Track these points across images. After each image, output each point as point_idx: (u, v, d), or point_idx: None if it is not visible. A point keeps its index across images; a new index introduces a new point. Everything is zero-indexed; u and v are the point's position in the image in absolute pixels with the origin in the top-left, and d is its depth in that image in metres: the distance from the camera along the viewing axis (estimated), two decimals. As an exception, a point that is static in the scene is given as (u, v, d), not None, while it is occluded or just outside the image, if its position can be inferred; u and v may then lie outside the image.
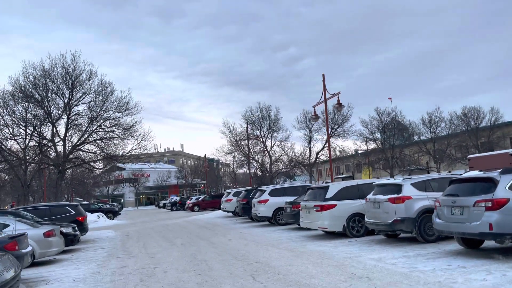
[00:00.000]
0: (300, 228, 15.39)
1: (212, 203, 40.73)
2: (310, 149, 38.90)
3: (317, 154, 38.72)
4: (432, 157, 46.76)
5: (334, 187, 12.46)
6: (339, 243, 11.14)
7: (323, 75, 22.72)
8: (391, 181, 10.74)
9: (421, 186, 10.28)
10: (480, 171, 8.83)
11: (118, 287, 7.82)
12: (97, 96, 21.82)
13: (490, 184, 7.57)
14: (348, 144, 45.30)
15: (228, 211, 26.10)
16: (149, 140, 22.74)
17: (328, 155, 38.38)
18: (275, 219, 17.39)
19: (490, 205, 7.25)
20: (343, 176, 65.54)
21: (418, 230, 9.86)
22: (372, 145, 48.67)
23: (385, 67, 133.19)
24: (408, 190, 10.15)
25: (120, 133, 22.21)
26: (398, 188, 10.28)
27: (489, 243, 8.89)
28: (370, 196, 11.02)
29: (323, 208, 12.03)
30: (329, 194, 12.27)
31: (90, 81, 21.33)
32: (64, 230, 13.37)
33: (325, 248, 10.45)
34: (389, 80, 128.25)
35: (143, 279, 8.30)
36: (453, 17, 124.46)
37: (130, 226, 26.75)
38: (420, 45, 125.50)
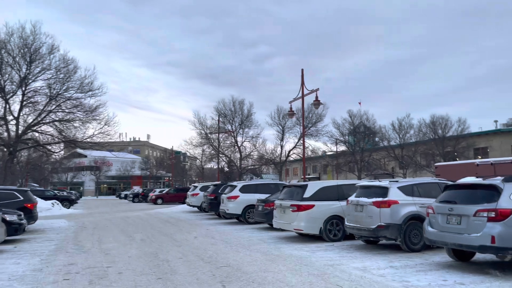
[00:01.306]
0: (271, 228, 14.44)
1: (177, 196, 39.28)
2: (282, 146, 38.13)
3: (288, 152, 37.97)
4: (399, 162, 47.17)
5: (313, 186, 11.56)
6: (316, 248, 10.24)
7: (302, 70, 21.87)
8: (377, 183, 9.93)
9: (408, 191, 9.53)
10: (478, 177, 8.15)
11: (61, 290, 6.56)
12: (58, 73, 20.02)
13: (492, 192, 6.83)
14: (318, 145, 44.75)
15: (193, 206, 24.85)
16: (113, 126, 21.23)
17: (302, 154, 37.89)
18: (245, 217, 16.37)
19: (494, 215, 6.51)
20: (310, 177, 65.37)
21: (403, 238, 9.09)
22: (341, 148, 48.64)
23: (353, 72, 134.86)
24: (394, 193, 9.37)
25: (82, 116, 20.53)
26: (384, 191, 9.49)
27: (479, 256, 8.22)
28: (352, 198, 10.18)
29: (300, 208, 11.10)
30: (307, 194, 11.36)
31: (51, 56, 19.54)
32: (8, 217, 11.81)
33: (301, 253, 9.51)
34: (357, 85, 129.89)
35: (92, 282, 7.05)
36: (418, 28, 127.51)
37: (87, 216, 25.00)
38: (387, 53, 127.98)
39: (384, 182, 9.80)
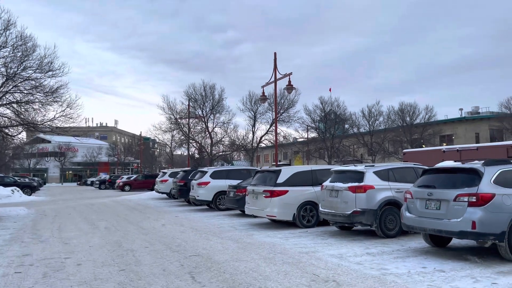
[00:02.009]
0: (242, 215, 14.03)
1: (145, 183, 38.27)
2: (253, 132, 37.56)
3: (260, 138, 37.50)
4: (368, 149, 47.79)
5: (287, 172, 11.18)
6: (289, 234, 9.89)
7: (275, 53, 21.36)
8: (352, 168, 9.63)
9: (384, 175, 9.27)
10: (456, 161, 7.96)
11: (9, 284, 5.89)
12: (15, 51, 18.58)
13: (473, 176, 6.61)
14: (290, 132, 44.46)
15: (162, 193, 24.11)
16: (76, 109, 20.03)
17: (273, 140, 37.47)
18: (216, 203, 15.86)
19: (475, 200, 6.28)
20: (280, 163, 65.44)
21: (379, 224, 8.85)
22: (312, 134, 48.70)
23: (322, 60, 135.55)
24: (370, 178, 9.09)
25: (41, 97, 19.20)
26: (359, 176, 9.19)
27: (455, 242, 8.08)
28: (327, 183, 9.85)
29: (273, 194, 10.70)
30: (280, 179, 10.96)
31: (7, 33, 18.09)
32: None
33: (274, 240, 9.13)
34: (326, 72, 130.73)
35: (47, 274, 6.41)
36: (386, 17, 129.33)
37: (49, 203, 23.83)
38: (355, 41, 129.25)
39: (359, 167, 9.52)
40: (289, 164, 61.03)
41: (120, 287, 5.63)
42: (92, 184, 54.90)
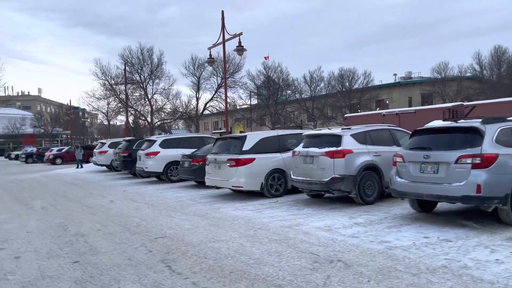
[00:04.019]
0: (199, 186, 12.95)
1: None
2: (198, 99, 35.82)
3: (205, 104, 35.90)
4: (311, 115, 48.11)
5: (252, 138, 10.18)
6: (260, 206, 9.02)
7: (222, 12, 19.82)
8: (328, 131, 8.88)
9: (362, 139, 8.63)
10: (445, 119, 7.43)
11: None
12: None
13: (473, 135, 6.07)
14: (234, 98, 43.13)
15: (102, 165, 22.16)
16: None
17: (218, 107, 36.08)
18: (167, 175, 14.55)
19: (479, 161, 5.76)
20: (221, 131, 64.36)
21: (358, 190, 8.25)
22: (255, 101, 47.90)
23: (253, 25, 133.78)
24: (348, 142, 8.40)
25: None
26: (336, 139, 8.46)
27: (439, 206, 7.68)
28: (299, 148, 9.03)
29: (239, 162, 9.69)
30: (246, 146, 9.96)
31: None
32: None
33: (246, 213, 8.22)
34: (257, 38, 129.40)
35: (-25, 276, 4.98)
36: None
37: (-32, 182, 20.93)
38: (284, 6, 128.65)
39: (336, 130, 8.79)
40: (230, 132, 59.95)
41: (79, 287, 4.43)
42: (17, 158, 50.12)
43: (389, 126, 9.52)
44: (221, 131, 64.38)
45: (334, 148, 8.27)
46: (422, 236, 5.80)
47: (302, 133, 10.54)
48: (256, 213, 8.21)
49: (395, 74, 55.02)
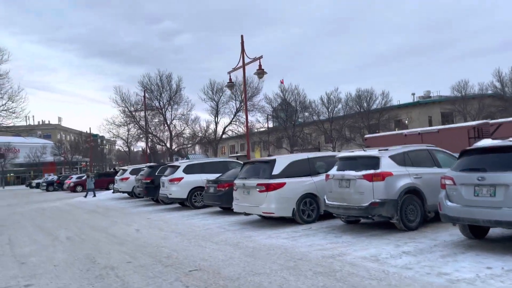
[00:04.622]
0: (225, 212, 12.56)
1: (99, 182, 35.39)
2: (216, 123, 35.73)
3: (224, 128, 35.78)
4: (328, 136, 47.57)
5: (282, 161, 9.81)
6: (293, 233, 8.56)
7: (242, 36, 19.84)
8: (364, 153, 8.45)
9: (401, 160, 8.17)
10: (495, 139, 6.96)
11: None
12: None
13: (533, 155, 5.58)
14: (252, 121, 43.02)
15: (123, 192, 21.99)
16: (19, 102, 17.43)
17: (236, 130, 35.89)
18: (191, 201, 14.21)
19: (544, 183, 5.25)
20: (238, 155, 64.08)
21: (400, 216, 7.75)
22: (273, 123, 47.68)
23: (264, 50, 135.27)
24: (387, 164, 7.95)
25: (-24, 90, 16.47)
26: (374, 161, 8.02)
27: (492, 231, 7.10)
28: (334, 172, 8.60)
29: (269, 187, 9.30)
30: (276, 170, 9.58)
31: None
32: None
33: (281, 242, 7.77)
34: (271, 63, 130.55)
35: (4, 317, 4.65)
36: (320, 7, 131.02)
37: (-9, 211, 20.95)
38: (294, 31, 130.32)
39: (373, 151, 8.35)
40: (246, 156, 59.46)
41: (116, 331, 4.04)
42: (38, 186, 50.61)
43: (427, 146, 9.05)
44: (238, 154, 64.16)
45: (372, 171, 7.82)
46: (484, 266, 5.27)
47: (333, 155, 10.18)
48: (292, 241, 7.75)
49: (413, 94, 54.39)
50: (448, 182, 6.40)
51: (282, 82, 56.43)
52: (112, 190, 28.18)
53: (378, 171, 7.80)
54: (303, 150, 47.63)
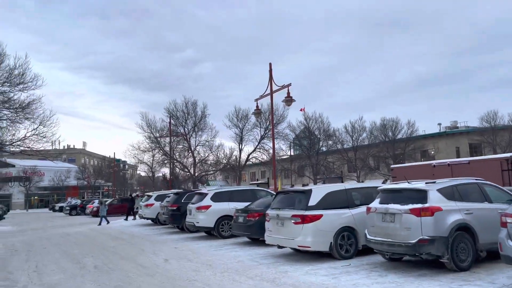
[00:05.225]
0: (252, 243, 12.12)
1: (122, 207, 35.36)
2: (240, 150, 35.60)
3: (248, 155, 35.59)
4: (352, 165, 46.71)
5: (319, 192, 9.38)
6: (332, 269, 8.05)
7: (270, 64, 19.85)
8: (410, 185, 7.97)
9: (450, 194, 7.67)
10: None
11: None
12: (-21, 61, 16.28)
13: None
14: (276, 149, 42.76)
15: (148, 218, 21.75)
16: (50, 126, 17.69)
17: (260, 157, 35.66)
18: (218, 230, 13.81)
19: None
20: (258, 182, 63.55)
21: (451, 254, 7.18)
22: (295, 151, 47.27)
23: (284, 78, 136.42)
24: (435, 198, 7.45)
25: (11, 114, 16.78)
26: (421, 195, 7.54)
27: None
28: (376, 205, 8.13)
29: (305, 219, 8.86)
30: (312, 201, 9.15)
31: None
32: None
33: (321, 279, 7.28)
34: (291, 90, 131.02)
35: None
36: (340, 36, 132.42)
37: (17, 234, 20.97)
38: (315, 60, 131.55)
39: (420, 184, 7.87)
40: (267, 184, 58.80)
41: None
42: (61, 210, 51.03)
43: (476, 179, 8.51)
44: (258, 182, 63.58)
45: (420, 205, 7.33)
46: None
47: (372, 187, 9.72)
48: (333, 279, 7.25)
49: (439, 124, 53.29)
50: (509, 220, 5.87)
51: (303, 110, 56.21)
52: (125, 217, 27.91)
53: (426, 205, 7.30)
54: (327, 179, 46.84)
